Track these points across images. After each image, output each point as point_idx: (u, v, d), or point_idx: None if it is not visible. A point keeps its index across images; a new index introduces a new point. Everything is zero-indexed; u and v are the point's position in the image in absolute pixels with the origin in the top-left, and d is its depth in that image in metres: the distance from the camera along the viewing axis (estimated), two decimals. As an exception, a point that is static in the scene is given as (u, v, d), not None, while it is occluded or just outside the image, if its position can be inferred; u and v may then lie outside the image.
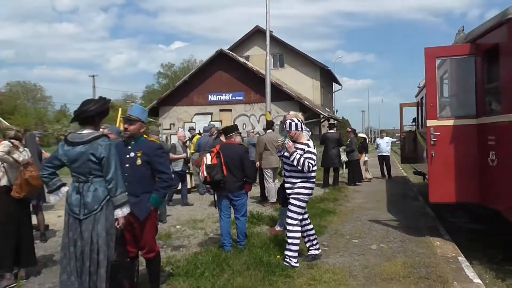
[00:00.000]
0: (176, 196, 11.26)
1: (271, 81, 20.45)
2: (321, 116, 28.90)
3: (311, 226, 6.05)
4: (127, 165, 4.42)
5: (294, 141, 5.70)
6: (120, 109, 14.74)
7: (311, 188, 5.75)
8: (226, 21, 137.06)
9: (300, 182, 5.64)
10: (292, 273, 5.33)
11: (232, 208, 6.46)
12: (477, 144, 6.79)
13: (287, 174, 5.81)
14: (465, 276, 5.28)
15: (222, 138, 10.26)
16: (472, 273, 5.43)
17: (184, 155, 10.87)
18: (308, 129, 6.21)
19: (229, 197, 6.36)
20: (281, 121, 16.62)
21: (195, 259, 5.83)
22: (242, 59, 29.69)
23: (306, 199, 5.72)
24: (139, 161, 4.45)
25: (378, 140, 18.30)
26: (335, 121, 30.70)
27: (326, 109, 35.51)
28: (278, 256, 5.83)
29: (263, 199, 11.03)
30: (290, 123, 5.69)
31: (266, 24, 18.65)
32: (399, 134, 16.46)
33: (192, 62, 63.59)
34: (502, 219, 6.45)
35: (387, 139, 18.18)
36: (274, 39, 29.65)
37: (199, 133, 14.19)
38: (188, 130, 13.68)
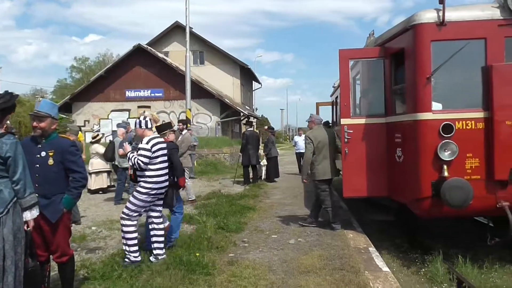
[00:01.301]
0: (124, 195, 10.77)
1: (191, 78, 20.28)
2: (242, 114, 29.17)
3: (160, 229, 5.90)
4: (38, 165, 4.15)
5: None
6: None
7: (150, 189, 5.59)
8: (145, 15, 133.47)
9: (141, 181, 5.61)
10: (212, 271, 5.33)
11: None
12: (386, 141, 7.25)
13: None
14: (375, 266, 5.64)
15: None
16: (381, 262, 5.82)
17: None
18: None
19: None
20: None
21: (112, 261, 5.63)
22: (161, 55, 29.10)
23: (142, 198, 5.58)
24: (51, 161, 4.19)
25: (296, 138, 18.85)
26: (253, 119, 31.12)
27: (246, 107, 35.90)
28: (197, 254, 5.80)
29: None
30: (135, 121, 5.81)
31: (186, 20, 18.46)
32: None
33: (108, 56, 60.99)
34: (408, 211, 6.96)
35: (303, 137, 18.77)
36: (194, 36, 29.40)
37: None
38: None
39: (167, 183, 5.84)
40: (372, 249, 6.45)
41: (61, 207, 4.20)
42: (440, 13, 6.20)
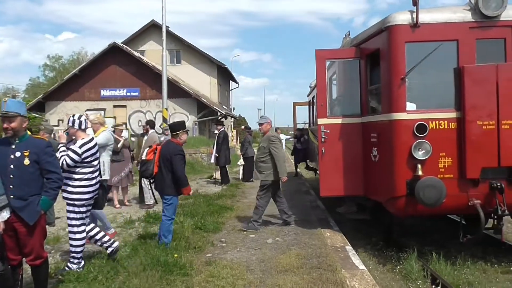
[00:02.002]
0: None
1: (168, 77, 20.10)
2: (219, 113, 29.08)
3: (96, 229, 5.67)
4: (12, 166, 4.06)
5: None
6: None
7: (83, 193, 5.27)
8: (120, 13, 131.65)
9: (69, 186, 5.23)
10: (190, 271, 5.31)
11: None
12: (362, 141, 7.35)
13: None
14: (352, 264, 5.70)
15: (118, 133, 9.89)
16: (357, 260, 5.89)
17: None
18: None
19: (161, 195, 6.29)
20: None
21: (87, 263, 5.53)
22: (137, 54, 28.75)
23: (80, 204, 5.29)
24: (27, 161, 4.10)
25: (273, 137, 18.86)
26: (231, 119, 31.06)
27: (224, 106, 35.83)
28: (176, 255, 5.76)
29: (141, 200, 10.40)
30: (68, 119, 5.45)
31: (162, 19, 18.27)
32: (293, 132, 17.19)
33: (82, 54, 59.79)
34: (383, 209, 7.07)
35: (282, 136, 18.85)
36: (170, 35, 29.16)
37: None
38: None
39: (97, 186, 5.44)
40: (348, 247, 6.52)
41: (38, 209, 4.13)
42: (414, 15, 6.32)
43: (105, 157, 6.63)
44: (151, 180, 6.56)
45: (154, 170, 6.20)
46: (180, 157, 6.14)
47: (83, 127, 5.41)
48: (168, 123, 24.86)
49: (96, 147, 5.46)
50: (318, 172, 8.03)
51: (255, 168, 7.66)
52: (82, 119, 5.43)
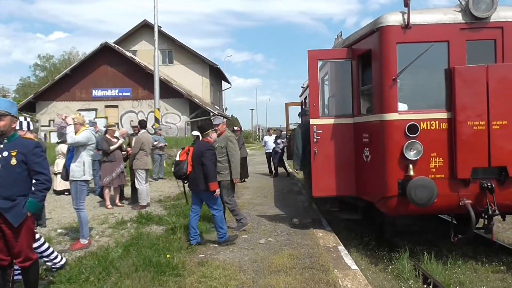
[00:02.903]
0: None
1: (160, 77, 20.05)
2: (211, 114, 29.06)
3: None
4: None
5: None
6: None
7: None
8: (112, 13, 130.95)
9: None
10: (182, 272, 5.30)
11: (199, 204, 6.82)
12: (354, 141, 7.37)
13: None
14: (344, 264, 5.72)
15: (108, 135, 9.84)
16: (350, 260, 5.91)
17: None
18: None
19: (198, 193, 6.70)
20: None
21: (79, 264, 5.51)
22: (129, 54, 28.67)
23: None
24: (14, 161, 4.06)
25: (266, 138, 18.89)
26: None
27: (216, 107, 35.81)
28: (168, 256, 5.75)
29: (134, 201, 10.31)
30: (18, 122, 5.20)
31: (154, 19, 18.24)
32: (285, 132, 17.21)
33: (74, 54, 59.52)
34: (375, 209, 7.10)
35: (274, 136, 18.84)
36: (162, 35, 29.10)
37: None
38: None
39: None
40: (341, 247, 6.55)
41: (24, 211, 4.08)
42: (405, 16, 6.35)
43: (86, 157, 6.57)
44: (185, 181, 6.94)
45: (188, 169, 6.61)
46: (211, 153, 6.64)
47: (31, 128, 5.59)
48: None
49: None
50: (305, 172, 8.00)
51: None
52: (28, 119, 5.58)
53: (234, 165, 7.49)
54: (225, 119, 8.08)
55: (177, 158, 6.79)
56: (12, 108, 4.21)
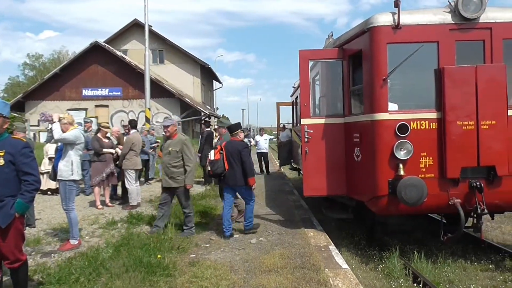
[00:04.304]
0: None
1: (151, 77, 19.97)
2: (202, 113, 29.00)
3: None
4: None
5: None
6: None
7: None
8: (102, 12, 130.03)
9: None
10: (173, 272, 5.29)
11: (233, 198, 7.39)
12: (344, 141, 7.41)
13: None
14: (335, 263, 5.75)
15: (100, 134, 9.76)
16: (341, 260, 5.94)
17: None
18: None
19: (234, 188, 7.25)
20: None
21: (69, 265, 5.47)
22: (119, 53, 28.51)
23: None
24: (1, 161, 4.03)
25: (257, 138, 18.90)
26: (215, 119, 30.96)
27: (207, 106, 35.74)
28: (159, 256, 5.73)
29: (124, 201, 10.25)
30: None
31: (145, 18, 18.13)
32: (276, 132, 17.22)
33: (64, 53, 59.06)
34: (366, 209, 7.14)
35: (265, 136, 18.86)
36: (153, 34, 29.00)
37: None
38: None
39: None
40: (332, 247, 6.57)
41: (12, 212, 4.05)
42: (396, 17, 6.39)
43: (74, 157, 6.51)
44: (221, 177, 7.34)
45: (226, 167, 7.08)
46: (248, 151, 7.27)
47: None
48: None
49: None
50: (301, 172, 8.04)
51: (165, 174, 7.37)
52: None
53: (189, 169, 7.24)
54: (175, 121, 7.93)
55: (211, 157, 7.23)
56: (5, 109, 4.21)
